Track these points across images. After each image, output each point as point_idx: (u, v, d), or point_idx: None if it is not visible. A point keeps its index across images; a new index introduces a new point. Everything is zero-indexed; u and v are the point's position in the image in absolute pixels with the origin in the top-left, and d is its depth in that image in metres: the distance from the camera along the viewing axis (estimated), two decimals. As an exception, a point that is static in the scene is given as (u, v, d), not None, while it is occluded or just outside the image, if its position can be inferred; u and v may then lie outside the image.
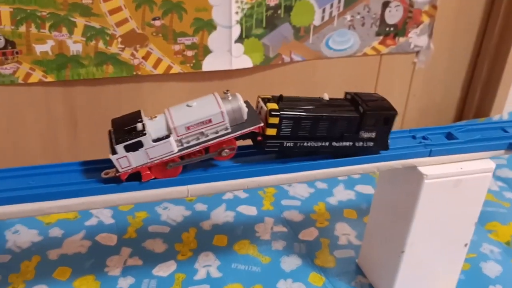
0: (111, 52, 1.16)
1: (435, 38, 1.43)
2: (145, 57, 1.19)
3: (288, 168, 0.77)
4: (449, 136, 0.88)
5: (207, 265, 1.07)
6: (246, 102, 0.75)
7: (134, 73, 1.20)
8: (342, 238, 1.17)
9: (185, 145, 0.71)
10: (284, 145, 0.76)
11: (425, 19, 1.38)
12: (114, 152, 0.68)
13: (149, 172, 0.71)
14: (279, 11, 1.23)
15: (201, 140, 0.72)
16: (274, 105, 0.74)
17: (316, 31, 1.30)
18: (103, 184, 0.71)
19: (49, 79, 1.16)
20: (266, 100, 0.76)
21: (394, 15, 1.34)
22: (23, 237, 1.13)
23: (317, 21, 1.28)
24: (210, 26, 1.19)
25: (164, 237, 1.15)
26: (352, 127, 0.77)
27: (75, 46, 1.13)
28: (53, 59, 1.13)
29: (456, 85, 1.58)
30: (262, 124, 0.73)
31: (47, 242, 1.12)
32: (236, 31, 1.21)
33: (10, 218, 0.69)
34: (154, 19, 1.15)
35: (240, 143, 0.76)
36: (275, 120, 0.73)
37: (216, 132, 0.72)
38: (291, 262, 1.08)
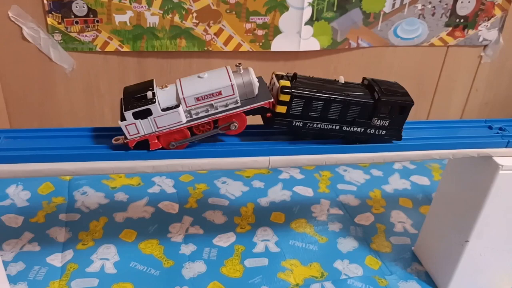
0: (186, 27, 1.19)
1: (505, 32, 1.40)
2: (217, 34, 1.22)
3: (366, 148, 0.78)
4: (526, 129, 0.87)
5: (265, 240, 1.10)
6: (258, 78, 0.74)
7: (206, 48, 1.23)
8: (398, 226, 1.18)
9: (194, 117, 0.71)
10: (294, 124, 0.75)
11: (497, 13, 1.35)
12: (123, 118, 0.69)
13: (157, 141, 0.71)
14: (351, -4, 1.23)
15: (210, 113, 0.71)
16: (286, 83, 0.73)
17: (386, 18, 1.29)
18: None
19: (125, 49, 1.20)
20: (279, 77, 0.75)
21: (465, 7, 1.32)
22: (90, 198, 1.19)
23: (387, 8, 1.28)
24: (282, 6, 1.21)
25: (224, 210, 1.19)
26: (365, 113, 0.76)
27: (152, 18, 1.17)
28: (130, 30, 1.17)
29: (521, 82, 1.54)
30: (272, 100, 0.72)
31: (113, 205, 1.18)
32: (308, 13, 1.22)
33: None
34: (229, -4, 1.17)
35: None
36: (286, 98, 0.72)
37: (226, 105, 0.71)
38: (347, 244, 1.10)
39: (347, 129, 0.76)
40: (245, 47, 1.25)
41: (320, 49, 1.29)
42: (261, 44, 1.25)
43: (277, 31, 1.24)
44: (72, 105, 1.27)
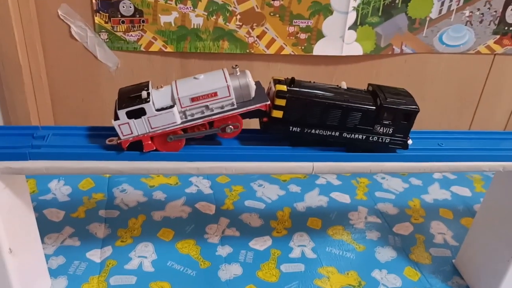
0: (229, 29, 1.20)
1: (556, 42, 1.35)
2: (260, 36, 1.21)
3: (413, 157, 0.77)
4: None
5: (302, 245, 1.09)
6: (257, 82, 0.73)
7: (248, 51, 1.23)
8: (438, 237, 1.15)
9: (189, 118, 0.70)
10: (291, 129, 0.73)
11: (549, 21, 1.31)
12: (116, 118, 0.68)
13: (150, 142, 0.70)
14: (397, 1, 1.21)
15: (205, 114, 0.70)
16: (282, 87, 0.71)
17: (431, 24, 1.27)
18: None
19: (169, 49, 1.21)
20: (277, 81, 0.73)
21: (515, 14, 1.28)
22: (129, 196, 1.21)
23: (434, 14, 1.25)
24: (326, 10, 1.20)
25: (260, 213, 1.18)
26: (366, 119, 0.73)
27: (196, 19, 1.18)
28: (175, 31, 1.18)
29: None
30: (268, 102, 0.71)
31: (151, 203, 1.19)
32: (352, 17, 1.21)
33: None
34: (274, -1, 1.17)
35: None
36: (281, 102, 0.71)
37: (222, 107, 0.70)
38: (386, 254, 1.08)
39: (347, 136, 0.74)
40: (287, 50, 1.24)
41: (362, 54, 1.27)
42: (303, 47, 1.24)
43: (320, 35, 1.23)
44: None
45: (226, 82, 0.69)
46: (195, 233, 1.10)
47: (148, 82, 0.72)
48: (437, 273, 1.04)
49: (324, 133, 0.74)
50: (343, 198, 1.27)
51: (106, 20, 1.16)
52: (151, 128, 0.69)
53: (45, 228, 1.07)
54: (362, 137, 0.74)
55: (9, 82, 1.17)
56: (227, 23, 1.19)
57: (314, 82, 0.75)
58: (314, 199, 1.26)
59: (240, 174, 0.75)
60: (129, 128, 0.69)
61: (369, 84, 0.78)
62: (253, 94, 0.71)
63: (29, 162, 0.71)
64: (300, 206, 1.22)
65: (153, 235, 1.08)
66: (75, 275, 0.96)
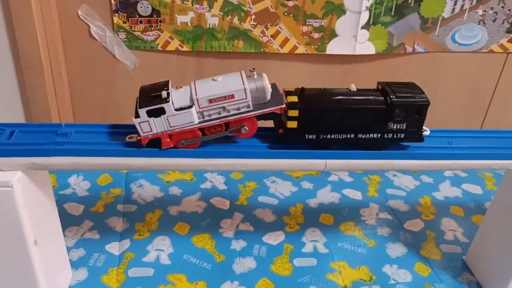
0: (244, 28, 1.22)
1: None
2: (274, 36, 1.24)
3: (423, 155, 0.78)
4: None
5: (314, 240, 1.11)
6: (273, 84, 0.75)
7: (262, 50, 1.26)
8: (448, 234, 1.16)
9: (206, 118, 0.73)
10: (306, 137, 0.76)
11: (563, 20, 1.31)
12: (137, 116, 0.71)
13: (169, 140, 0.73)
14: (409, 0, 1.22)
15: (222, 115, 0.73)
16: (294, 98, 0.73)
17: (444, 23, 1.28)
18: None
19: (185, 48, 1.24)
20: (288, 93, 0.76)
21: (529, 13, 1.29)
22: (146, 191, 1.24)
23: (446, 13, 1.26)
24: (340, 10, 1.21)
25: (273, 208, 1.21)
26: (378, 118, 0.75)
27: (212, 19, 1.20)
28: (191, 30, 1.21)
29: None
30: (284, 106, 0.73)
31: (168, 198, 1.22)
32: (365, 17, 1.23)
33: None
34: (288, -1, 1.19)
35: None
36: (294, 113, 0.73)
37: (238, 109, 0.72)
38: (396, 249, 1.10)
39: (363, 137, 0.76)
40: (301, 49, 1.27)
41: (375, 53, 1.29)
42: (316, 47, 1.27)
43: (333, 35, 1.25)
44: (132, 101, 1.32)
45: (243, 85, 0.71)
46: (210, 227, 1.13)
47: (168, 81, 0.75)
48: (447, 269, 1.06)
49: (340, 137, 0.76)
50: (355, 194, 1.29)
51: (125, 20, 1.19)
52: (170, 127, 0.72)
53: (66, 221, 1.11)
54: (377, 136, 0.76)
55: (31, 80, 1.21)
56: (242, 23, 1.22)
57: (324, 89, 0.78)
58: (326, 195, 1.28)
59: (254, 170, 0.78)
60: (148, 126, 0.72)
61: (378, 83, 0.80)
62: (269, 97, 0.74)
63: (53, 158, 0.74)
64: (313, 202, 1.25)
65: (170, 229, 1.12)
66: (95, 266, 1.00)
